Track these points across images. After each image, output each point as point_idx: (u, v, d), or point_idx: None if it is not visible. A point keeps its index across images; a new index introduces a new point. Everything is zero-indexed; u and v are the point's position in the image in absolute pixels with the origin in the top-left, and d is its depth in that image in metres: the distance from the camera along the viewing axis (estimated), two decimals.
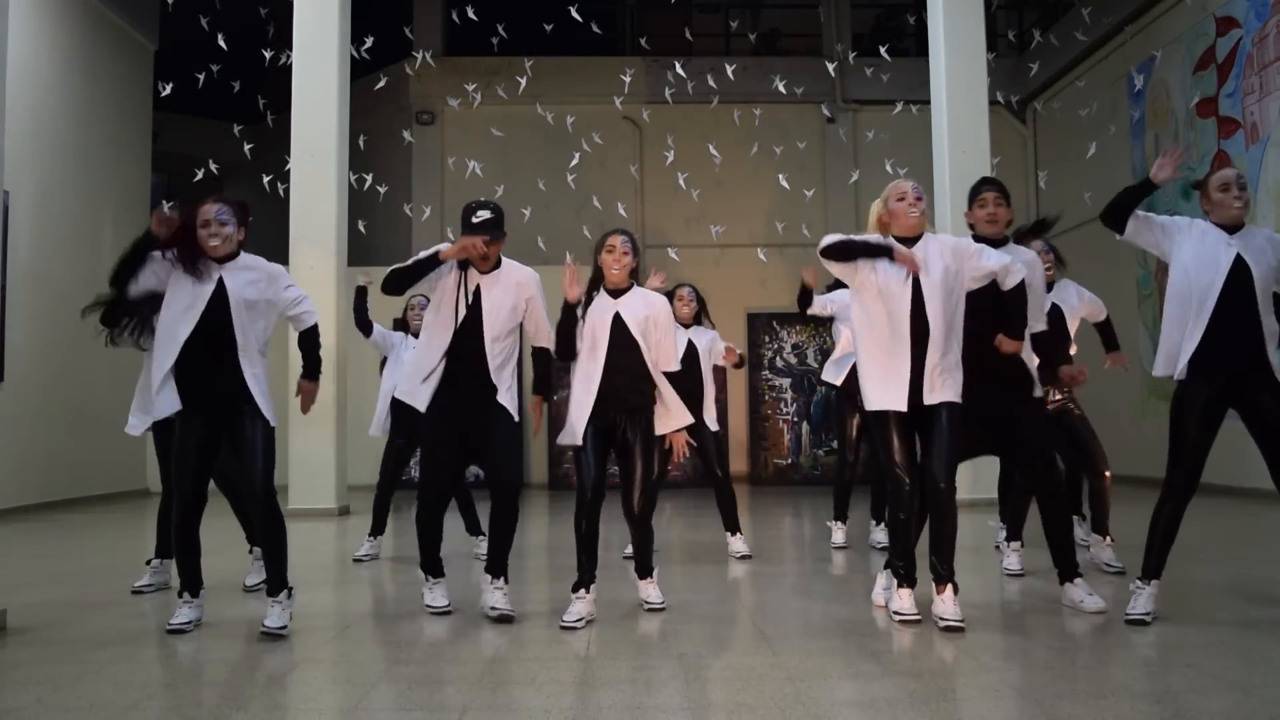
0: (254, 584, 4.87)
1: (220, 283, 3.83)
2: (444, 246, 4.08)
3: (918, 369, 3.80)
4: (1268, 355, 3.72)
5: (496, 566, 4.05)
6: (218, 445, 3.92)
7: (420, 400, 4.07)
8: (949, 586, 3.79)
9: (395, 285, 4.02)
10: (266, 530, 3.89)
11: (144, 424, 4.72)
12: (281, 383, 8.72)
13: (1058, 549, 4.07)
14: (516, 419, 4.13)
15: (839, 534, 6.14)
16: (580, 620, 3.87)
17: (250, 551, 5.06)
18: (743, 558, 5.68)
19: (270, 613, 3.81)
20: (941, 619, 3.73)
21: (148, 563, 4.96)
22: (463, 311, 4.05)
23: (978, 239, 4.11)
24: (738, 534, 5.83)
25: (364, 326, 6.09)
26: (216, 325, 3.80)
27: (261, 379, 3.89)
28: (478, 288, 4.10)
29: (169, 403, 3.80)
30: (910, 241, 3.95)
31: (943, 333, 3.81)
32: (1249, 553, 5.81)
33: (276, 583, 3.87)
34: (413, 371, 4.14)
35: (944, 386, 3.82)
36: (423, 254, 4.05)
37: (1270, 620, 3.82)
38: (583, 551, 4.00)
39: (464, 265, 4.11)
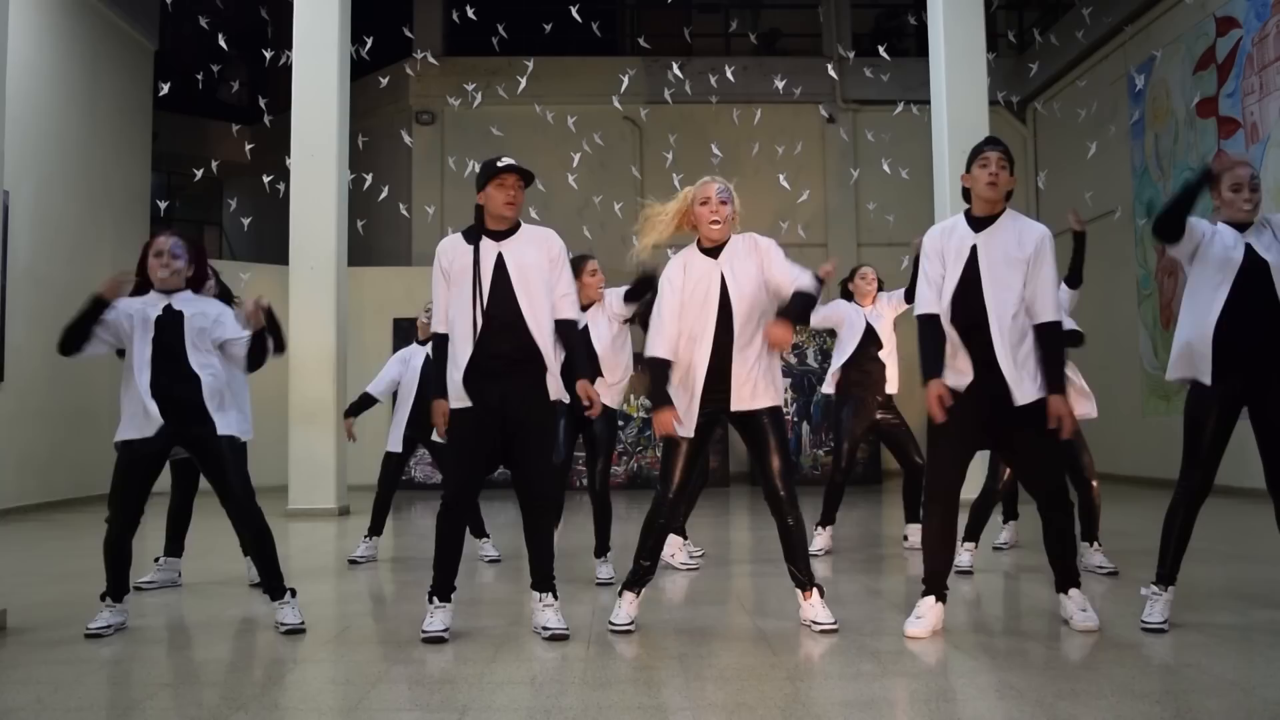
0: (258, 580, 4.89)
1: (169, 308, 3.90)
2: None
3: (726, 377, 3.69)
4: None
5: (543, 581, 3.73)
6: (163, 461, 3.95)
7: (455, 398, 3.69)
8: (814, 591, 3.76)
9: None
10: (251, 536, 3.92)
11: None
12: (281, 383, 8.73)
13: (1058, 562, 3.76)
14: (564, 400, 3.81)
15: (820, 540, 5.91)
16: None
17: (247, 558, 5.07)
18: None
19: (281, 612, 3.85)
20: (815, 623, 3.70)
21: (156, 560, 5.03)
22: (487, 284, 3.64)
23: (968, 208, 3.75)
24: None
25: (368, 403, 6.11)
26: (168, 347, 3.84)
27: (222, 392, 3.90)
28: (500, 255, 3.68)
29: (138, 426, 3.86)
30: (714, 251, 3.76)
31: (750, 336, 3.70)
32: (1249, 553, 5.81)
33: (275, 588, 3.90)
34: (447, 369, 3.74)
35: (763, 392, 3.71)
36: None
37: (1270, 620, 3.82)
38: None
39: (475, 240, 3.72)
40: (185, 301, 3.96)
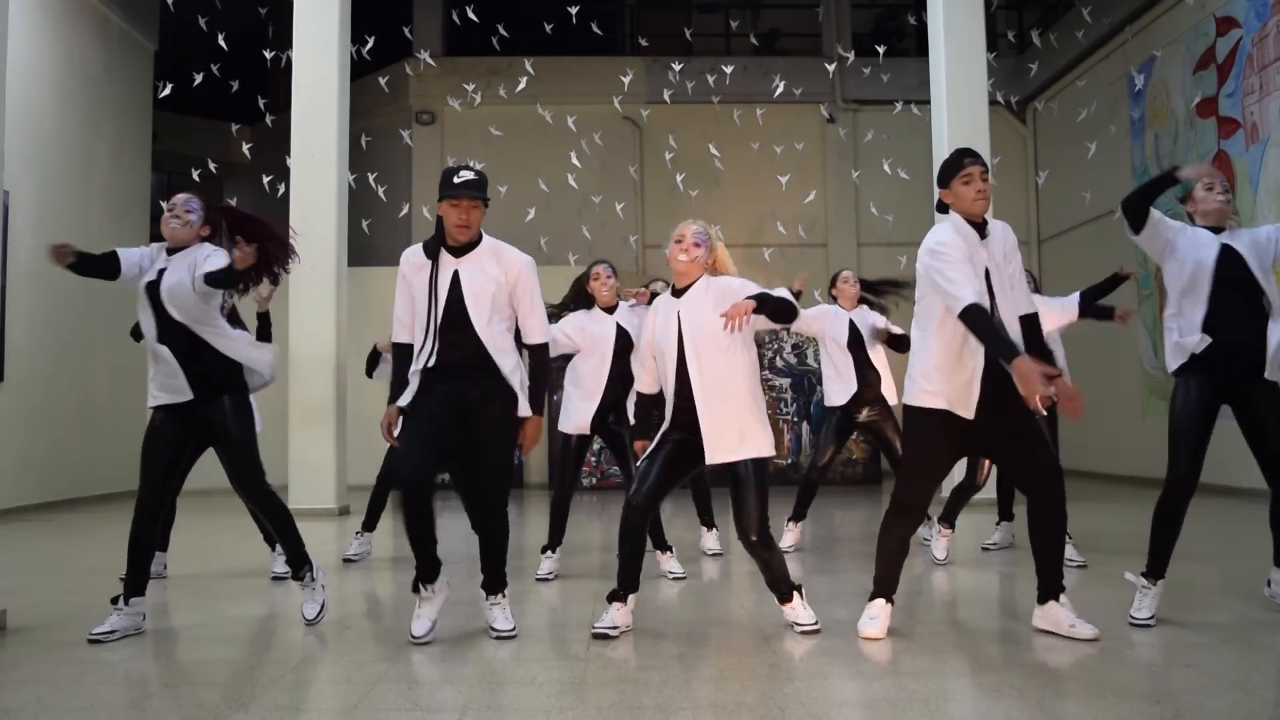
0: (281, 572, 5.02)
1: (160, 272, 3.87)
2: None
3: (693, 416, 3.68)
4: (1265, 354, 3.71)
5: (493, 582, 3.76)
6: (187, 444, 3.97)
7: (405, 398, 3.68)
8: (794, 596, 3.77)
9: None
10: (270, 516, 3.98)
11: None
12: (281, 383, 8.71)
13: (1048, 565, 3.60)
14: (525, 413, 3.71)
15: (790, 536, 6.08)
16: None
17: (273, 549, 5.12)
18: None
19: (307, 605, 3.99)
20: (797, 625, 3.73)
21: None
22: (442, 304, 3.62)
23: (966, 219, 3.60)
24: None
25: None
26: (162, 315, 3.83)
27: (227, 344, 3.89)
28: (455, 274, 3.65)
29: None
30: (681, 293, 3.81)
31: (719, 385, 3.66)
32: (1249, 552, 5.80)
33: (297, 565, 3.98)
34: (399, 380, 3.75)
35: (744, 444, 3.65)
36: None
37: (1270, 620, 3.82)
38: (558, 517, 5.11)
39: (434, 254, 3.68)
40: (176, 261, 3.88)
